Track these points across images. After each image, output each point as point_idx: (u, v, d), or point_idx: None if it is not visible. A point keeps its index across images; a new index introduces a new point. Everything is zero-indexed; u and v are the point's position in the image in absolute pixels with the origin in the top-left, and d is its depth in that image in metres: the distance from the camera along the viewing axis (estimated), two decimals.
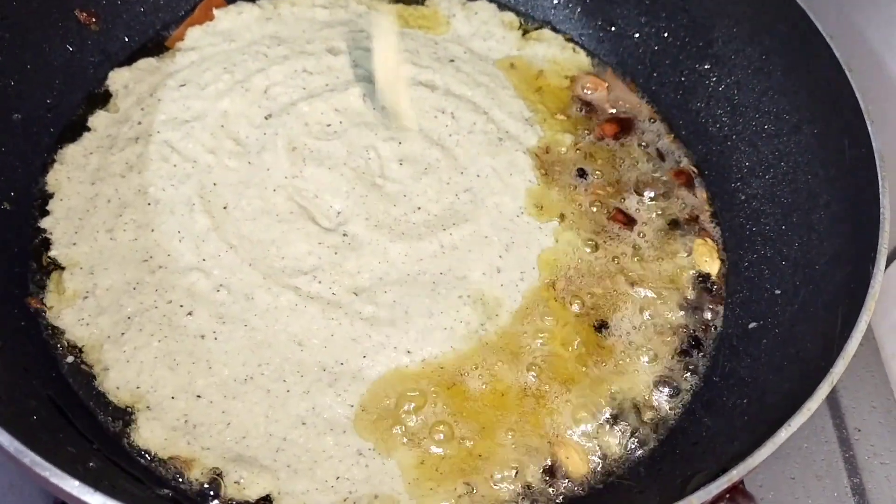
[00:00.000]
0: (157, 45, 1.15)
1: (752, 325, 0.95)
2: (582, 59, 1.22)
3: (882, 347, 1.09)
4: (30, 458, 0.63)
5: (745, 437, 0.77)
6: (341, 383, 0.87)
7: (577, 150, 1.10)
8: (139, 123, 1.06)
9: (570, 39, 1.23)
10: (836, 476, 0.99)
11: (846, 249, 0.87)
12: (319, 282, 0.96)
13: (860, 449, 1.01)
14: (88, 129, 1.06)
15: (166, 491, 0.79)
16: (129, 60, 1.13)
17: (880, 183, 0.85)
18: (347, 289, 0.96)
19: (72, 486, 0.62)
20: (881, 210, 0.84)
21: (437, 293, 0.95)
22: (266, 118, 1.09)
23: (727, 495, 0.73)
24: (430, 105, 1.13)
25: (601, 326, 0.95)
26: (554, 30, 1.24)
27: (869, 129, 0.88)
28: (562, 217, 1.04)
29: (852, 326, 0.78)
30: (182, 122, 1.07)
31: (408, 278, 0.97)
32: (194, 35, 1.16)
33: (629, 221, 1.04)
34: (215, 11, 1.18)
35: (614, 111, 1.15)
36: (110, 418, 0.84)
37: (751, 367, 0.91)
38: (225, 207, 1.01)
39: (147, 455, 0.82)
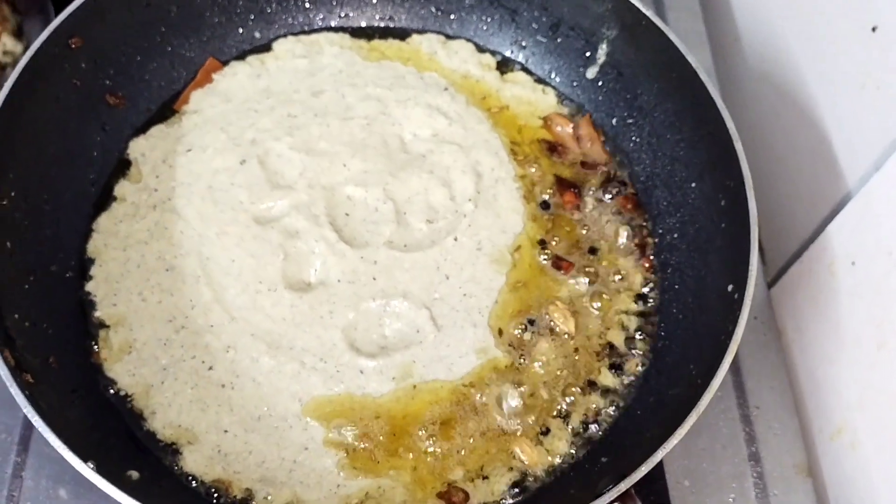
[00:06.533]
0: (170, 110, 1.27)
1: (661, 343, 1.13)
2: (551, 99, 1.33)
3: (783, 337, 1.26)
4: (114, 490, 0.86)
5: (641, 453, 0.93)
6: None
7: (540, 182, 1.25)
8: (156, 191, 1.18)
9: (539, 81, 1.35)
10: (738, 446, 1.16)
11: (730, 286, 1.04)
12: (324, 362, 1.06)
13: (758, 423, 1.18)
14: (116, 199, 1.18)
15: None
16: (145, 128, 1.24)
17: (752, 237, 1.03)
18: (353, 368, 1.06)
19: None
20: (751, 259, 1.01)
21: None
22: (241, 163, 1.17)
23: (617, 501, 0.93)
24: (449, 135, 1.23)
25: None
26: (526, 71, 1.36)
27: (748, 191, 1.05)
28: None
29: (720, 360, 0.96)
30: (187, 187, 1.17)
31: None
32: (196, 98, 1.27)
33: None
34: (213, 75, 1.30)
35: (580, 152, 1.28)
36: (163, 451, 1.03)
37: (656, 380, 1.09)
38: (221, 283, 1.09)
39: (195, 479, 1.01)
